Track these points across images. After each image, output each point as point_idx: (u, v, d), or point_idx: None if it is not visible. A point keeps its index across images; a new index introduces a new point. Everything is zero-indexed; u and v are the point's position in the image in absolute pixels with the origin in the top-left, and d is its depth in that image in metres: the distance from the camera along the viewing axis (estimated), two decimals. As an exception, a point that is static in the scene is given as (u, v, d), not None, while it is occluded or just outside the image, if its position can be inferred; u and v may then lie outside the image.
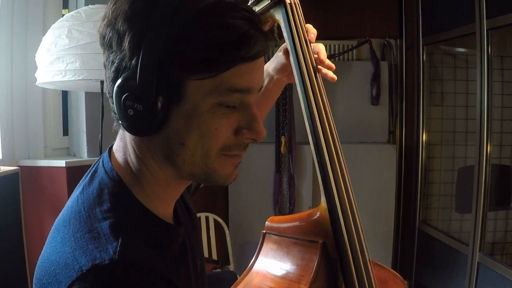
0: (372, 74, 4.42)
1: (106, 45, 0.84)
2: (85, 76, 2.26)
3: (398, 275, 1.36)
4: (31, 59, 2.62)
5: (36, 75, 2.44)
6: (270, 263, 1.21)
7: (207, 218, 4.17)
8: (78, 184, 0.93)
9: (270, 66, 1.30)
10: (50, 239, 0.86)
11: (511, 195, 3.74)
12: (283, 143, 4.18)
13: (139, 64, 0.79)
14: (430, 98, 4.37)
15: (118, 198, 0.86)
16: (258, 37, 0.81)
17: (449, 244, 3.96)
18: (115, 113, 0.86)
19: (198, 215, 4.03)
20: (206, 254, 4.14)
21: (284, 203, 4.24)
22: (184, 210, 1.07)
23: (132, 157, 0.89)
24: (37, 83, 2.48)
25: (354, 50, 4.54)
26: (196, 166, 0.86)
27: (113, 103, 0.84)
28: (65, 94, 3.28)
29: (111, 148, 0.94)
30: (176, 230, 0.96)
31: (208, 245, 4.14)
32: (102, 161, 0.92)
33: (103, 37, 0.84)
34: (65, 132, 3.32)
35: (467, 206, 3.65)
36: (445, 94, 4.33)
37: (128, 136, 0.89)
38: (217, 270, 3.75)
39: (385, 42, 4.57)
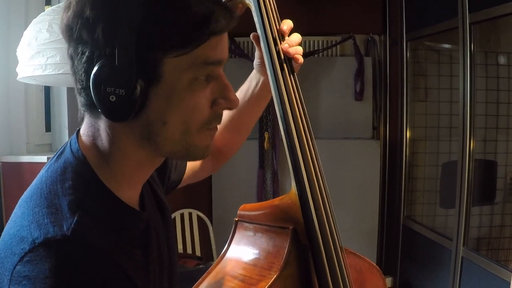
0: (356, 70, 4.42)
1: (75, 37, 0.83)
2: (65, 70, 2.24)
3: (375, 265, 1.35)
4: (13, 55, 2.59)
5: (17, 69, 2.42)
6: (242, 250, 1.20)
7: (190, 214, 4.16)
8: (45, 165, 0.93)
9: (254, 67, 1.29)
10: (12, 215, 0.87)
11: (496, 190, 3.75)
12: (266, 139, 4.18)
13: (116, 50, 0.79)
14: (414, 94, 4.38)
15: (81, 177, 0.87)
16: (225, 12, 0.85)
17: (433, 239, 3.98)
18: (86, 104, 0.87)
19: (181, 211, 4.07)
20: (189, 251, 4.13)
21: (268, 198, 4.22)
22: (153, 200, 1.06)
23: (104, 141, 0.89)
24: (18, 78, 2.46)
25: (338, 46, 4.54)
26: (176, 144, 0.88)
27: (86, 94, 0.85)
28: (47, 90, 3.26)
29: (78, 131, 0.94)
30: (138, 215, 0.95)
31: (192, 242, 4.14)
32: (70, 143, 0.92)
33: (70, 29, 0.83)
34: (48, 128, 3.29)
35: (451, 201, 3.66)
36: (429, 89, 4.35)
37: (102, 123, 0.88)
38: (201, 266, 3.74)
39: (369, 38, 4.57)
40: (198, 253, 4.17)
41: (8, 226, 0.84)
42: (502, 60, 3.73)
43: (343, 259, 1.12)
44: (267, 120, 4.19)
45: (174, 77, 0.83)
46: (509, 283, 2.61)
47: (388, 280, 4.50)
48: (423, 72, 4.38)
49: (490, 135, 3.68)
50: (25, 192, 0.90)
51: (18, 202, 0.88)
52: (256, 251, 1.17)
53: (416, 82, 4.37)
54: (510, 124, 3.64)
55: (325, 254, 1.08)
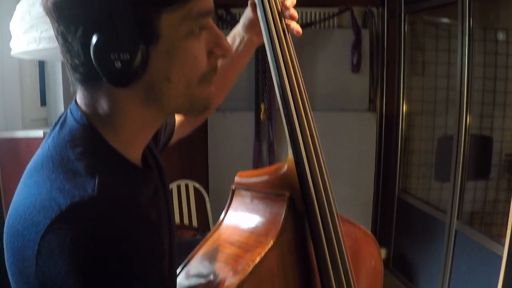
0: (353, 42, 4.40)
1: (67, 14, 0.82)
2: (60, 44, 2.23)
3: (370, 233, 1.36)
4: (6, 30, 2.57)
5: (11, 44, 2.40)
6: (239, 217, 1.21)
7: (187, 185, 4.17)
8: (47, 136, 0.93)
9: (239, 25, 1.32)
10: (21, 186, 0.86)
11: (491, 166, 3.77)
12: (262, 110, 4.17)
13: (112, 17, 0.79)
14: (411, 68, 4.37)
15: (90, 142, 0.87)
16: None
17: (427, 212, 4.00)
18: (82, 79, 0.87)
19: (177, 182, 4.08)
20: (186, 222, 4.15)
21: (264, 170, 4.23)
22: (153, 161, 1.06)
23: (104, 106, 0.89)
24: (12, 53, 2.44)
25: (335, 18, 4.51)
26: (180, 98, 0.89)
27: (83, 70, 0.85)
28: (41, 65, 3.24)
29: (76, 100, 0.94)
30: (148, 174, 0.97)
31: (188, 213, 4.15)
32: (70, 111, 0.92)
33: (59, 8, 0.82)
34: (43, 102, 3.28)
35: (446, 175, 3.68)
36: (426, 64, 4.33)
37: (103, 93, 0.88)
38: (198, 237, 3.76)
39: (367, 10, 4.54)
40: (194, 224, 4.19)
41: (20, 197, 0.83)
42: (500, 36, 3.72)
43: (338, 226, 1.13)
44: (263, 91, 4.18)
45: (172, 32, 0.84)
46: (502, 257, 2.63)
47: (382, 252, 4.54)
48: (420, 46, 4.36)
49: (487, 111, 3.68)
50: (31, 163, 0.89)
51: (25, 173, 0.88)
52: (253, 218, 1.18)
53: (414, 56, 4.36)
54: (507, 101, 3.64)
55: (321, 220, 1.09)
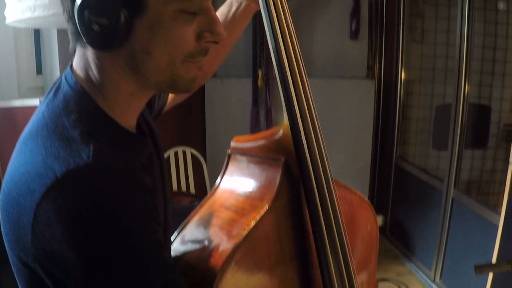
0: (351, 8, 4.37)
1: None
2: (55, 11, 2.21)
3: (366, 199, 1.36)
4: (0, -1, 2.55)
5: (5, 13, 2.38)
6: (235, 182, 1.21)
7: (184, 152, 4.18)
8: (42, 102, 0.93)
9: None
10: (16, 154, 0.86)
11: (489, 135, 3.77)
12: (260, 76, 4.16)
13: None
14: (410, 35, 4.34)
15: (85, 109, 0.87)
16: None
17: (425, 180, 4.01)
18: (74, 33, 0.86)
19: (175, 149, 4.09)
20: (183, 188, 4.17)
21: (261, 136, 4.22)
22: (147, 128, 1.06)
23: (94, 72, 0.89)
24: (7, 21, 2.42)
25: (334, -16, 4.47)
26: (162, 74, 0.87)
27: (73, 23, 0.85)
28: (37, 33, 3.22)
29: (71, 65, 0.94)
30: (143, 141, 0.97)
31: (186, 179, 4.17)
32: (65, 77, 0.92)
33: None
34: (39, 71, 3.27)
35: (444, 143, 3.68)
36: (425, 31, 4.31)
37: (90, 53, 0.88)
38: (195, 203, 3.78)
39: (366, -25, 4.51)
40: (192, 190, 4.21)
41: (15, 165, 0.84)
42: (501, 6, 3.69)
43: (333, 190, 1.13)
44: (260, 58, 4.15)
45: (159, 8, 0.82)
46: (498, 227, 2.64)
47: (379, 219, 4.57)
48: (420, 13, 4.33)
49: (486, 80, 3.67)
50: (25, 131, 0.89)
51: (20, 141, 0.88)
52: (249, 183, 1.18)
53: (413, 23, 4.33)
54: (506, 70, 3.63)
55: (316, 185, 1.09)
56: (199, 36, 0.88)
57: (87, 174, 0.77)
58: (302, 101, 1.10)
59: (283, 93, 1.10)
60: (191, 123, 4.41)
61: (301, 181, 1.10)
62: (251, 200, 1.13)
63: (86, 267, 0.75)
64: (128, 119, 0.94)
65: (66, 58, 3.09)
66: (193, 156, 4.19)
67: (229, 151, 1.25)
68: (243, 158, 1.21)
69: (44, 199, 0.75)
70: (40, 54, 3.25)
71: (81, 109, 0.86)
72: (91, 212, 0.75)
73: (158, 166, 1.03)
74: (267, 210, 1.06)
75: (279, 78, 1.10)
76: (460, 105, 3.45)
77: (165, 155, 4.08)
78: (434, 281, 3.87)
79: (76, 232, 0.74)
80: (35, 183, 0.77)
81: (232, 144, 1.24)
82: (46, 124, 0.84)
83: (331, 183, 1.12)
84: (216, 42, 0.91)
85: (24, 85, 3.08)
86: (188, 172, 4.18)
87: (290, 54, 1.10)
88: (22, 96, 3.03)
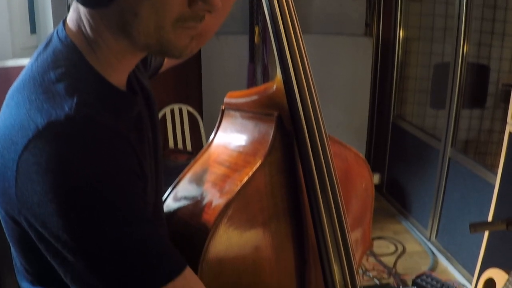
0: (350, -36, 4.31)
1: None
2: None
3: (361, 155, 1.35)
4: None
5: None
6: (228, 138, 1.20)
7: (180, 109, 4.17)
8: (33, 56, 0.91)
9: None
10: (3, 108, 0.85)
11: (487, 95, 3.75)
12: (256, 33, 4.10)
13: None
14: (409, -8, 4.30)
15: (73, 63, 0.85)
16: None
17: (422, 138, 4.02)
18: None
19: (171, 106, 4.08)
20: (180, 146, 4.17)
21: (258, 93, 4.21)
22: (139, 87, 1.04)
23: (86, 28, 0.87)
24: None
25: None
26: (150, 37, 0.85)
27: None
28: (30, -8, 3.18)
29: (65, 20, 0.92)
30: (132, 98, 0.95)
31: (182, 137, 4.17)
32: (57, 32, 0.90)
33: None
34: (33, 30, 3.23)
35: (442, 102, 3.67)
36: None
37: (83, 9, 0.86)
38: (191, 161, 3.80)
39: None
40: (188, 148, 4.21)
41: (1, 119, 0.83)
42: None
43: (327, 146, 1.12)
44: (257, 14, 4.09)
45: None
46: (494, 186, 2.65)
47: (376, 177, 4.59)
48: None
49: (485, 39, 3.64)
50: (14, 84, 0.88)
51: (8, 94, 0.86)
52: (242, 138, 1.17)
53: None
54: (506, 30, 3.59)
55: (309, 139, 1.08)
56: (191, 3, 0.85)
57: (68, 125, 0.76)
58: (295, 54, 1.08)
59: (275, 45, 1.08)
60: (187, 80, 4.38)
61: (295, 136, 1.09)
62: (244, 156, 1.13)
63: (63, 221, 0.74)
64: (118, 77, 0.92)
65: (60, 17, 3.04)
66: (189, 113, 4.18)
67: (222, 107, 1.24)
68: (237, 114, 1.20)
69: (25, 150, 0.75)
70: (34, 13, 3.21)
71: (69, 64, 0.85)
72: (69, 164, 0.74)
73: (149, 126, 1.02)
74: (260, 165, 1.06)
75: (271, 29, 1.09)
76: (458, 65, 3.43)
77: (161, 113, 4.07)
78: (430, 239, 3.90)
79: (54, 184, 0.73)
80: (18, 135, 0.76)
81: (226, 99, 1.23)
82: (33, 77, 0.83)
83: (325, 138, 1.11)
84: (209, 12, 0.87)
85: (18, 45, 3.05)
86: (185, 129, 4.17)
87: (283, 4, 1.08)
88: (16, 56, 3.01)
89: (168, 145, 4.15)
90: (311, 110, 1.09)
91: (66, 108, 0.77)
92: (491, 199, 2.65)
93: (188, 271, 0.85)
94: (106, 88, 0.88)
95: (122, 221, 0.78)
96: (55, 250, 0.78)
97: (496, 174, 2.68)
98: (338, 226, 1.13)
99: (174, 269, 0.83)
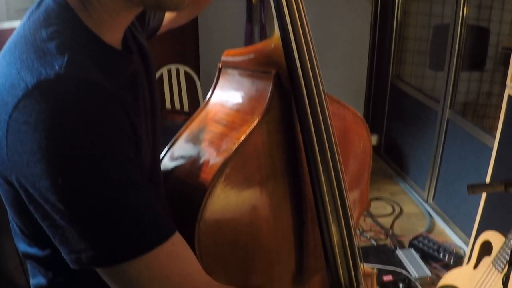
0: None
1: None
2: None
3: (359, 114, 1.34)
4: None
5: None
6: (225, 96, 1.19)
7: (177, 70, 4.15)
8: (26, 16, 0.89)
9: None
10: None
11: (486, 58, 3.73)
12: (255, -8, 4.05)
13: None
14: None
15: (65, 21, 0.84)
16: None
17: (420, 100, 4.00)
18: None
19: (168, 67, 4.06)
20: (177, 107, 4.16)
21: (256, 53, 4.18)
22: (134, 45, 1.02)
23: None
24: None
25: None
26: None
27: None
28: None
29: None
30: (126, 57, 0.94)
31: (180, 97, 4.16)
32: None
33: None
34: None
35: (441, 64, 3.65)
36: None
37: None
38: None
39: None
40: (185, 108, 4.21)
41: None
42: None
43: (325, 104, 1.10)
44: (256, -27, 4.04)
45: None
46: (492, 149, 2.64)
47: (374, 138, 4.59)
48: None
49: (486, 1, 3.60)
50: (6, 43, 0.86)
51: (1, 54, 0.85)
52: (239, 97, 1.16)
53: None
54: (507, -7, 3.56)
55: (307, 97, 1.06)
56: None
57: (58, 84, 0.75)
58: (294, 11, 1.06)
59: (273, 2, 1.05)
60: (184, 40, 4.34)
61: (293, 94, 1.07)
62: (242, 114, 1.11)
63: (51, 182, 0.74)
64: (113, 35, 0.90)
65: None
66: (186, 73, 4.16)
67: (219, 65, 1.22)
68: (234, 72, 1.19)
69: (15, 110, 0.74)
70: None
71: (62, 22, 0.83)
72: (58, 124, 0.73)
73: (146, 85, 1.01)
74: (257, 123, 1.04)
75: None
76: (458, 26, 3.40)
77: (158, 73, 4.05)
78: (427, 201, 3.92)
79: (42, 144, 0.73)
80: (9, 95, 0.75)
81: (223, 58, 1.21)
82: (25, 37, 0.82)
83: (323, 96, 1.10)
84: None
85: (13, 7, 3.02)
86: (182, 90, 4.16)
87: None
88: (10, 18, 2.98)
89: (165, 105, 4.14)
90: (309, 67, 1.07)
91: (57, 67, 0.76)
92: (489, 161, 2.65)
93: (176, 237, 0.85)
94: (99, 47, 0.86)
95: (110, 184, 0.77)
96: (44, 212, 0.78)
97: (494, 136, 2.68)
98: (336, 186, 1.13)
99: (161, 234, 0.82)
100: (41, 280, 0.99)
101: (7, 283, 2.73)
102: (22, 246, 0.95)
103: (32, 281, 1.04)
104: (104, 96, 0.80)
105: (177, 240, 0.85)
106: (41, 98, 0.73)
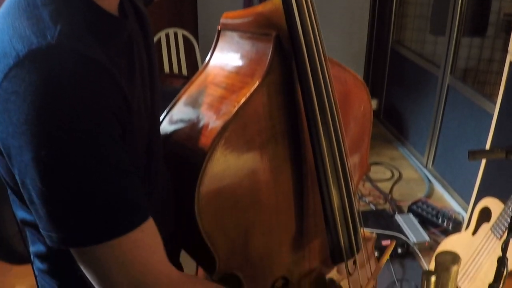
0: None
1: None
2: None
3: (360, 78, 1.33)
4: None
5: None
6: (225, 59, 1.17)
7: (175, 34, 4.11)
8: None
9: None
10: None
11: (488, 24, 3.69)
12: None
13: None
14: None
15: None
16: None
17: (421, 65, 3.98)
18: None
19: (166, 31, 4.02)
20: (176, 71, 4.13)
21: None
22: (131, 10, 1.00)
23: None
24: None
25: None
26: None
27: None
28: None
29: None
30: (122, 23, 0.91)
31: (178, 61, 4.13)
32: None
33: None
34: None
35: (442, 29, 3.62)
36: None
37: None
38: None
39: None
40: (184, 72, 4.18)
41: None
42: None
43: (326, 67, 1.09)
44: None
45: None
46: (492, 116, 2.63)
47: (374, 102, 4.57)
48: None
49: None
50: (1, 8, 0.84)
51: None
52: (239, 59, 1.14)
53: None
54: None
55: (308, 60, 1.05)
56: None
57: (49, 55, 0.73)
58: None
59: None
60: (182, 4, 4.30)
61: (293, 56, 1.06)
62: (242, 77, 1.10)
63: (32, 155, 0.73)
64: (109, 0, 0.88)
65: None
66: (184, 37, 4.13)
67: (218, 27, 1.20)
68: (233, 34, 1.17)
69: (5, 79, 0.73)
70: None
71: None
72: (46, 98, 0.72)
73: (144, 49, 0.99)
74: (258, 86, 1.03)
75: None
76: (460, -10, 3.36)
77: (156, 38, 4.02)
78: (426, 166, 3.92)
79: (28, 117, 0.72)
80: (1, 64, 0.74)
81: (222, 20, 1.20)
82: (19, 3, 0.80)
83: (324, 57, 1.08)
84: None
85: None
86: (180, 54, 4.13)
87: None
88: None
89: (164, 70, 4.11)
90: (310, 29, 1.05)
91: (49, 37, 0.74)
92: (489, 128, 2.64)
93: (146, 225, 0.83)
94: (94, 13, 0.84)
95: (90, 165, 0.76)
96: (23, 184, 0.77)
97: (494, 103, 2.67)
98: (337, 147, 1.12)
99: (132, 222, 0.81)
100: (40, 247, 0.98)
101: (7, 250, 2.74)
102: (21, 213, 0.95)
103: (31, 248, 1.04)
104: (95, 71, 0.78)
105: (147, 228, 0.83)
106: (31, 68, 0.72)
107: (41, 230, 0.80)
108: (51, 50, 0.73)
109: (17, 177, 0.78)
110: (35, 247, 1.01)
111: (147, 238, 0.84)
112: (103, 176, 0.77)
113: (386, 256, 1.34)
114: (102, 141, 0.77)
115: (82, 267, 0.82)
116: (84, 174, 0.75)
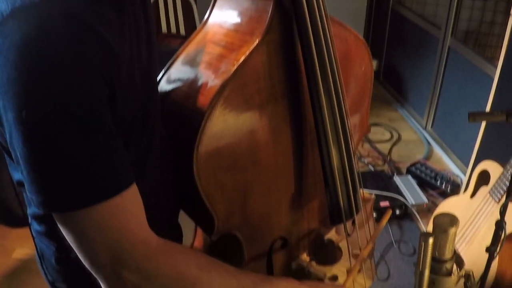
0: None
1: None
2: None
3: (361, 37, 1.30)
4: None
5: None
6: (224, 17, 1.15)
7: (174, -7, 4.07)
8: None
9: None
10: None
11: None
12: None
13: None
14: None
15: None
16: None
17: (422, 26, 3.94)
18: None
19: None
20: (173, 30, 4.10)
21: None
22: None
23: None
24: None
25: None
26: None
27: None
28: None
29: None
30: None
31: (175, 21, 4.09)
32: None
33: None
34: None
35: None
36: None
37: None
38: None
39: None
40: (182, 32, 4.15)
41: None
42: None
43: (327, 26, 1.07)
44: None
45: None
46: (493, 79, 2.61)
47: (374, 63, 4.53)
48: None
49: None
50: None
51: None
52: (238, 17, 1.12)
53: None
54: None
55: (309, 18, 1.03)
56: None
57: (32, 14, 0.71)
58: None
59: None
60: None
61: (294, 14, 1.03)
62: (241, 35, 1.08)
63: (14, 115, 0.72)
64: None
65: None
66: (183, -3, 4.08)
67: (218, -14, 1.17)
68: (233, -9, 1.14)
69: None
70: None
71: None
72: (29, 56, 0.70)
73: (140, 6, 0.96)
74: (257, 44, 1.01)
75: None
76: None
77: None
78: (425, 128, 3.91)
79: (10, 76, 0.70)
80: None
81: (222, -23, 1.16)
82: None
83: (325, 17, 1.06)
84: None
85: None
86: (178, 13, 4.09)
87: None
88: None
89: (161, 30, 4.07)
90: (311, -15, 1.02)
91: None
92: (489, 91, 2.63)
93: (128, 192, 0.81)
94: None
95: (73, 127, 0.74)
96: (11, 145, 0.76)
97: (495, 66, 2.64)
98: (337, 106, 1.11)
99: (113, 188, 0.79)
100: (36, 209, 0.98)
101: (6, 214, 2.75)
102: (16, 175, 0.93)
103: (28, 211, 1.03)
104: (81, 29, 0.75)
105: (128, 194, 0.82)
106: (14, 27, 0.70)
107: (27, 192, 0.79)
108: (34, 8, 0.71)
109: (6, 136, 0.77)
110: (31, 209, 1.01)
111: (127, 204, 0.82)
112: (84, 140, 0.75)
113: (384, 222, 1.34)
114: (85, 103, 0.75)
115: (62, 231, 0.81)
116: (64, 137, 0.73)
